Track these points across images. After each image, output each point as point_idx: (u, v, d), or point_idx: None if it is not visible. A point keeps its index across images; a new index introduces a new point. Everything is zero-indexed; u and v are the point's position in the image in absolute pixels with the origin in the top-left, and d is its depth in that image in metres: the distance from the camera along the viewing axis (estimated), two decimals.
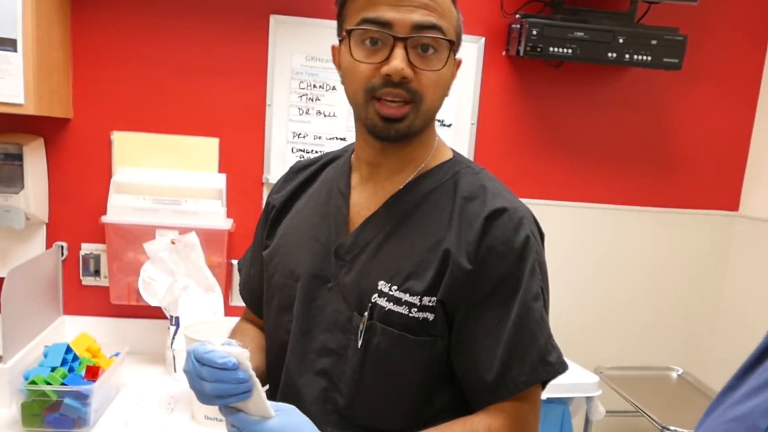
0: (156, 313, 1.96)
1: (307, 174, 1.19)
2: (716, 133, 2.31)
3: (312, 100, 2.06)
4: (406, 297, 0.98)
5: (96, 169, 2.00)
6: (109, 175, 1.99)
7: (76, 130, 1.98)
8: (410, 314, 0.98)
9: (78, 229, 2.04)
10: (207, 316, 1.89)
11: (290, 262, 1.10)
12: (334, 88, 2.06)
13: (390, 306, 0.99)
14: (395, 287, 0.99)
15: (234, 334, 1.27)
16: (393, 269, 1.00)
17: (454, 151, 1.11)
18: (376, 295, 1.00)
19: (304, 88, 2.06)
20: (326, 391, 1.05)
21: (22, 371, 1.56)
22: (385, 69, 0.92)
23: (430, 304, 0.97)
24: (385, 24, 0.92)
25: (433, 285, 0.97)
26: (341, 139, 2.09)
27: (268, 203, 1.23)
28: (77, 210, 2.02)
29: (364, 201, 1.07)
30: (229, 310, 2.01)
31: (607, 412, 2.06)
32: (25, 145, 1.84)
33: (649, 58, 1.97)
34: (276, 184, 1.23)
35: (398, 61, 0.92)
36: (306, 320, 1.07)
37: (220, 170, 2.06)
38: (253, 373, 0.92)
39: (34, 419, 1.52)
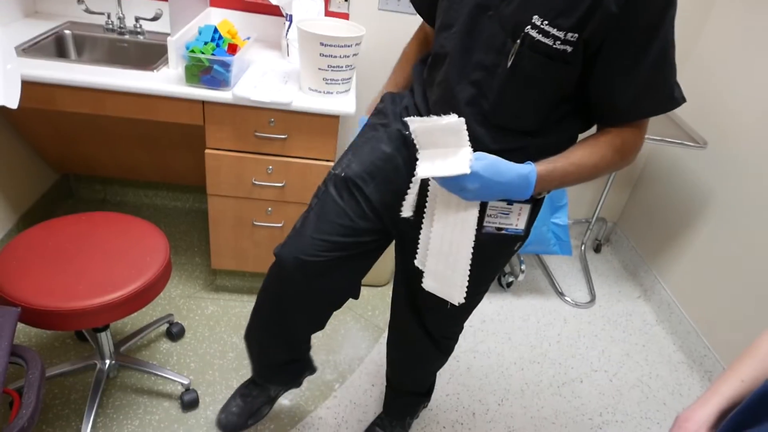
0: (275, 11, 2.27)
1: None
2: None
3: None
4: (554, 31, 1.01)
5: None
6: None
7: None
8: (554, 45, 1.02)
9: None
10: (312, 15, 2.09)
11: None
12: None
13: (539, 37, 1.03)
14: (546, 22, 1.01)
15: (399, 62, 1.45)
16: (547, 6, 1.01)
17: None
18: (529, 26, 1.03)
19: None
20: (476, 97, 1.14)
21: (185, 42, 1.82)
22: None
23: (572, 39, 1.01)
24: None
25: (579, 23, 0.99)
26: None
27: None
28: None
29: None
30: (327, 13, 2.27)
31: None
32: None
33: None
34: None
35: None
36: (468, 40, 1.13)
37: None
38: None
39: (194, 78, 1.78)
